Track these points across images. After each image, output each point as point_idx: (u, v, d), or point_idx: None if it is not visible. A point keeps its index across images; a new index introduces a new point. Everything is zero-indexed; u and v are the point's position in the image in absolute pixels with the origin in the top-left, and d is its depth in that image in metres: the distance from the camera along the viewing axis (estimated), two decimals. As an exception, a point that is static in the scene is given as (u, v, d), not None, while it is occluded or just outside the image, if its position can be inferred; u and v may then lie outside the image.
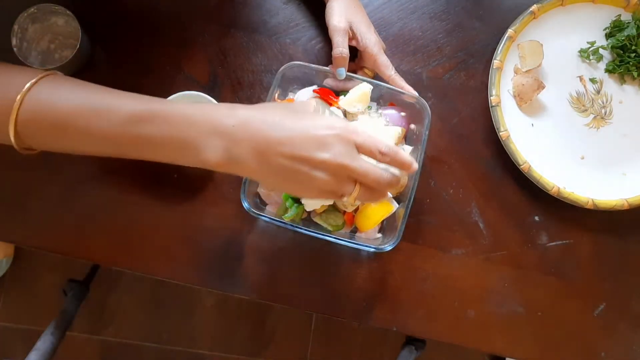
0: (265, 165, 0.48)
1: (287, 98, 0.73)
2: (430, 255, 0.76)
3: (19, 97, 0.48)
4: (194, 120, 0.49)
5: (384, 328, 0.75)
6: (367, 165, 0.50)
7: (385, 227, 0.73)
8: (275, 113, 0.50)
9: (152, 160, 0.50)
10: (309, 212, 0.72)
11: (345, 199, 0.50)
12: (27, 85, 0.49)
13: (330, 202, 0.69)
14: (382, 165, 0.53)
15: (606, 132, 0.80)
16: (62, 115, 0.48)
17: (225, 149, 0.48)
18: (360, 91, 0.70)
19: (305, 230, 0.68)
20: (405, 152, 0.70)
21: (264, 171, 0.48)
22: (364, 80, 0.70)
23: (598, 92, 0.81)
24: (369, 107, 0.73)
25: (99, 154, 0.51)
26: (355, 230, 0.73)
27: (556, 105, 0.80)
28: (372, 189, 0.51)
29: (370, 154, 0.50)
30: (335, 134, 0.48)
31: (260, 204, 0.73)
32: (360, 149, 0.50)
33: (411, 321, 0.75)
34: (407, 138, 0.74)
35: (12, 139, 0.49)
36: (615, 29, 0.80)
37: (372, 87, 0.70)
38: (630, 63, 0.79)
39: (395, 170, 0.53)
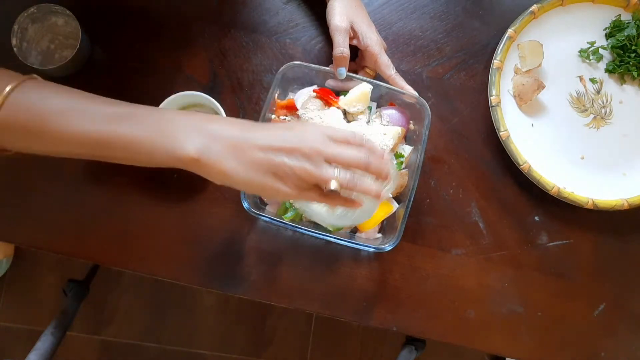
0: (241, 161, 0.48)
1: (287, 98, 0.73)
2: (430, 255, 0.76)
3: None
4: (173, 118, 0.50)
5: (384, 328, 0.75)
6: (342, 146, 0.51)
7: (385, 227, 0.73)
8: (252, 122, 0.53)
9: (125, 160, 0.51)
10: (309, 212, 0.72)
11: (332, 184, 0.49)
12: (7, 89, 0.49)
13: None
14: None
15: (606, 132, 0.80)
16: (43, 115, 0.49)
17: (203, 144, 0.48)
18: (360, 91, 0.70)
19: (305, 230, 0.68)
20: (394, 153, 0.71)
21: (240, 168, 0.48)
22: (364, 80, 0.70)
23: (598, 92, 0.81)
24: (369, 107, 0.73)
25: (74, 155, 0.51)
26: (355, 230, 0.73)
27: (556, 105, 0.80)
28: (353, 176, 0.51)
29: (344, 142, 0.52)
30: (306, 128, 0.52)
31: (260, 204, 0.73)
32: (334, 139, 0.51)
33: (411, 321, 0.75)
34: (407, 138, 0.74)
35: None
36: (615, 29, 0.80)
37: (372, 87, 0.70)
38: (630, 63, 0.79)
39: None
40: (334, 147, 0.50)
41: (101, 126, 0.49)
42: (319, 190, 0.51)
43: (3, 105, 0.48)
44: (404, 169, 0.72)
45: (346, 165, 0.51)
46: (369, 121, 0.72)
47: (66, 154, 0.51)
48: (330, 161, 0.50)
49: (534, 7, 0.78)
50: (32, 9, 0.69)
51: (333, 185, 0.50)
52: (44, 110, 0.49)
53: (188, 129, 0.49)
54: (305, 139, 0.50)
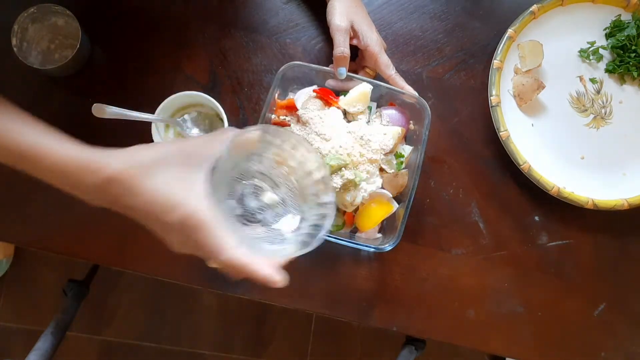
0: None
1: (287, 98, 0.73)
2: (430, 255, 0.76)
3: None
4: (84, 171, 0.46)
5: (384, 328, 0.75)
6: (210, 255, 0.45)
7: (385, 227, 0.73)
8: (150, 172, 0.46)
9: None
10: (309, 212, 0.72)
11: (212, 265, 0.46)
12: None
13: None
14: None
15: (606, 132, 0.80)
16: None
17: (106, 202, 0.48)
18: (360, 91, 0.70)
19: (305, 230, 0.68)
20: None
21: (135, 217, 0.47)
22: (364, 80, 0.70)
23: (598, 92, 0.81)
24: (369, 107, 0.73)
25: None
26: (355, 230, 0.73)
27: (556, 105, 0.80)
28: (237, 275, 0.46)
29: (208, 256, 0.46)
30: (177, 221, 0.44)
31: (260, 204, 0.73)
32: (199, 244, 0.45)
33: (411, 321, 0.75)
34: (407, 138, 0.74)
35: None
36: (615, 29, 0.80)
37: (372, 87, 0.70)
38: (630, 63, 0.79)
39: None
40: (205, 254, 0.45)
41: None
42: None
43: None
44: (404, 169, 0.72)
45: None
46: (369, 121, 0.72)
47: None
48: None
49: (534, 7, 0.78)
50: (32, 9, 0.69)
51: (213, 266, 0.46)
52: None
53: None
54: (173, 238, 0.46)
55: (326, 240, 0.69)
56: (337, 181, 0.66)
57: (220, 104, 0.69)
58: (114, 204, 0.48)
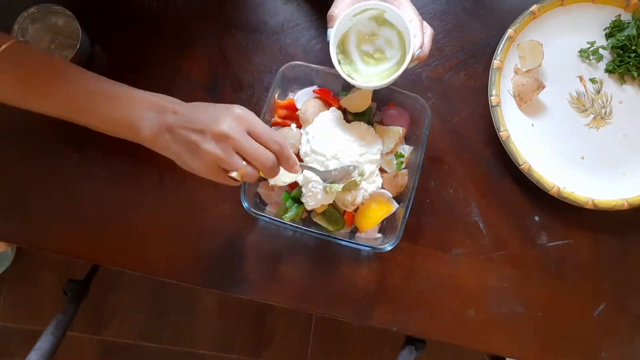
0: (173, 138, 0.56)
1: (287, 98, 0.73)
2: (430, 255, 0.76)
3: None
4: (134, 104, 0.58)
5: (384, 328, 0.75)
6: (256, 144, 0.56)
7: (385, 227, 0.73)
8: (192, 104, 0.58)
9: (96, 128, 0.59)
10: (309, 212, 0.72)
11: (234, 174, 0.56)
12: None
13: (330, 201, 0.69)
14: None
15: (606, 132, 0.80)
16: (32, 72, 0.57)
17: (156, 129, 0.57)
18: (361, 91, 0.70)
19: (305, 230, 0.68)
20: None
21: (172, 144, 0.56)
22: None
23: (598, 92, 0.81)
24: (370, 107, 0.73)
25: (54, 114, 0.59)
26: (355, 230, 0.73)
27: (556, 105, 0.80)
28: (254, 171, 0.57)
29: (263, 140, 0.56)
30: (231, 115, 0.56)
31: (260, 204, 0.73)
32: (253, 134, 0.56)
33: (411, 321, 0.75)
34: (407, 138, 0.74)
35: None
36: (615, 29, 0.80)
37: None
38: (630, 63, 0.79)
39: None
40: (250, 143, 0.55)
41: (81, 99, 0.58)
42: (224, 172, 0.57)
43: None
44: (404, 169, 0.72)
45: (252, 161, 0.56)
46: (369, 121, 0.72)
47: (48, 113, 0.59)
48: (239, 154, 0.56)
49: (534, 7, 0.78)
50: (32, 9, 0.69)
51: (234, 174, 0.56)
52: (39, 71, 0.57)
53: (145, 114, 0.57)
54: (225, 126, 0.54)
55: (326, 240, 0.69)
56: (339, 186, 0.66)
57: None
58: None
